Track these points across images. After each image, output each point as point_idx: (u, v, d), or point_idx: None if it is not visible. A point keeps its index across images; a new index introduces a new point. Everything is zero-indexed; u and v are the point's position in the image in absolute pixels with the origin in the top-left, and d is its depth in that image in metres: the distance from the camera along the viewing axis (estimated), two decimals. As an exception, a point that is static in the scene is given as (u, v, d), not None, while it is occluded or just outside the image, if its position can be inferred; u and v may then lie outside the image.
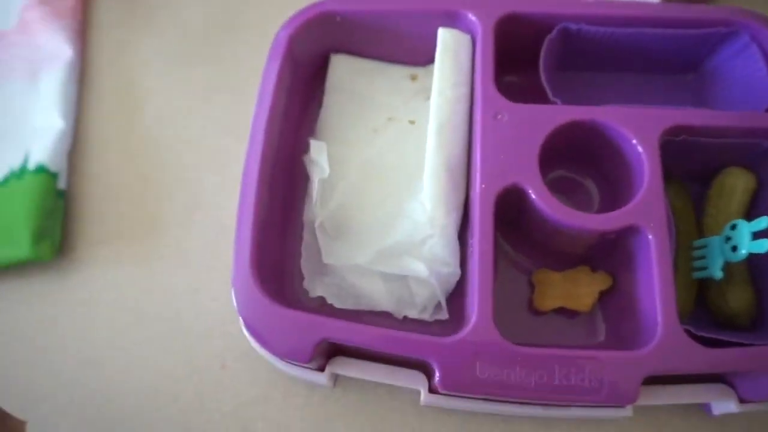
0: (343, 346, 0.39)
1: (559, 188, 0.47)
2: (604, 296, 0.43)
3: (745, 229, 0.38)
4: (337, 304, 0.43)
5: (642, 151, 0.40)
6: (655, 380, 0.38)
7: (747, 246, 0.37)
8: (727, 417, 0.41)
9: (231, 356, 0.46)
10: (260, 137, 0.42)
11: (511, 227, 0.45)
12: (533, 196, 0.39)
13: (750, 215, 0.43)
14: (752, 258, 0.42)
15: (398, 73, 0.50)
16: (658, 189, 0.39)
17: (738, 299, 0.40)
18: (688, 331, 0.37)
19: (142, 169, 0.52)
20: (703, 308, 0.43)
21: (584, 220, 0.38)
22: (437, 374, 0.36)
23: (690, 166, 0.44)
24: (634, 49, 0.47)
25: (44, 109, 0.53)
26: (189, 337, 0.46)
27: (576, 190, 0.47)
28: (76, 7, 0.58)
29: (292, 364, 0.39)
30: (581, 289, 0.43)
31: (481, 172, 0.40)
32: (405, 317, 0.43)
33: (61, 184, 0.50)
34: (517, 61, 0.47)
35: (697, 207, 0.45)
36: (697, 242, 0.42)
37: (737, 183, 0.43)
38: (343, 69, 0.50)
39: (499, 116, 0.41)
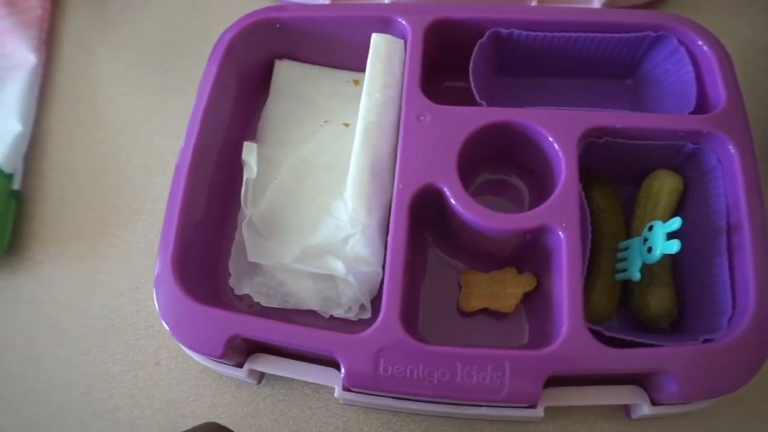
0: (263, 343, 0.40)
1: (491, 190, 0.47)
2: (528, 298, 0.43)
3: (660, 230, 0.38)
4: (265, 303, 0.44)
5: (560, 152, 0.40)
6: (567, 381, 0.38)
7: (661, 247, 0.37)
8: (647, 420, 0.41)
9: (166, 354, 0.47)
10: (193, 136, 0.43)
11: (440, 229, 0.45)
12: (449, 196, 0.39)
13: (680, 216, 0.43)
14: (677, 260, 0.42)
15: (342, 77, 0.51)
16: (573, 189, 0.39)
17: (658, 301, 0.40)
18: (598, 333, 0.37)
19: (95, 171, 0.54)
20: (628, 310, 0.42)
21: (498, 220, 0.39)
22: (342, 371, 0.36)
23: (618, 168, 0.44)
24: (570, 54, 0.47)
25: (4, 114, 0.55)
26: (127, 334, 0.47)
27: (507, 192, 0.47)
28: (44, 17, 0.61)
29: (212, 360, 0.40)
30: (506, 290, 0.43)
31: (400, 172, 0.40)
32: (331, 316, 0.44)
33: (16, 184, 0.52)
34: (460, 66, 0.47)
35: (629, 209, 0.45)
36: (622, 244, 0.42)
37: (663, 185, 0.43)
38: (286, 74, 0.51)
39: (422, 117, 0.42)
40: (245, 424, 0.44)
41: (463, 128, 0.41)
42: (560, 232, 0.38)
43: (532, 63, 0.49)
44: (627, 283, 0.42)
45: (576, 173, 0.39)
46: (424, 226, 0.45)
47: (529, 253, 0.43)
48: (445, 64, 0.48)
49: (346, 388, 0.38)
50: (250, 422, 0.44)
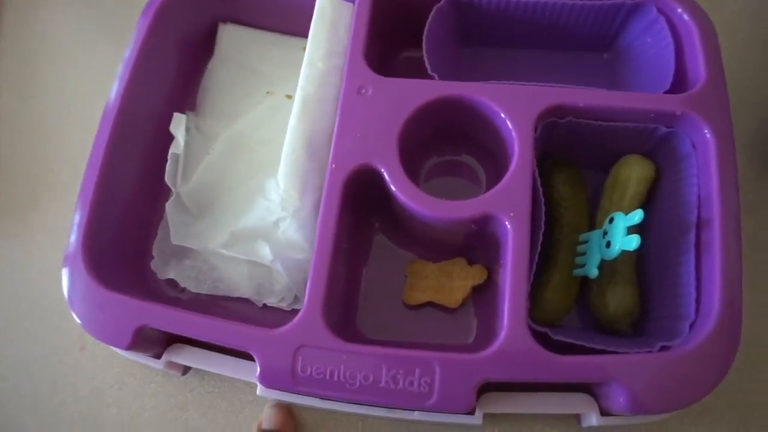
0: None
1: (446, 172, 0.43)
2: (479, 291, 0.39)
3: (621, 222, 0.34)
4: (193, 288, 0.41)
5: (513, 132, 0.36)
6: (509, 386, 0.35)
7: (620, 242, 0.33)
8: (600, 428, 0.37)
9: (91, 339, 0.43)
10: (115, 106, 0.39)
11: (388, 214, 0.41)
12: (387, 178, 0.35)
13: (649, 209, 0.39)
14: (642, 257, 0.38)
15: (293, 45, 0.47)
16: (525, 175, 0.35)
17: (618, 301, 0.36)
18: (544, 335, 0.33)
19: (28, 143, 0.50)
20: (587, 310, 0.39)
21: (437, 207, 0.35)
22: (258, 368, 0.33)
23: (585, 153, 0.40)
24: (541, 22, 0.43)
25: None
26: (52, 317, 0.44)
27: (464, 175, 0.43)
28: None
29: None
30: (453, 283, 0.39)
31: (334, 150, 0.36)
32: (264, 305, 0.40)
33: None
34: (419, 34, 0.43)
35: (597, 198, 0.41)
36: (582, 237, 0.38)
37: (632, 173, 0.38)
38: (231, 39, 0.47)
39: (363, 90, 0.38)
40: (171, 417, 0.41)
41: (408, 103, 0.37)
42: (507, 222, 0.34)
43: (498, 32, 0.44)
44: (587, 280, 0.38)
45: (530, 156, 0.35)
46: (369, 211, 0.41)
47: (481, 243, 0.39)
48: (402, 32, 0.44)
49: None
50: (176, 415, 0.41)
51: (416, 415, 0.35)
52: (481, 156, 0.43)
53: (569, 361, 0.31)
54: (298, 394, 0.33)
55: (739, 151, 0.44)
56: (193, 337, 0.34)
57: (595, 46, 0.44)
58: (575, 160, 0.41)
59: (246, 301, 0.41)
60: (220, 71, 0.46)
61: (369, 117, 0.37)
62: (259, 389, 0.36)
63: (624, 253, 0.36)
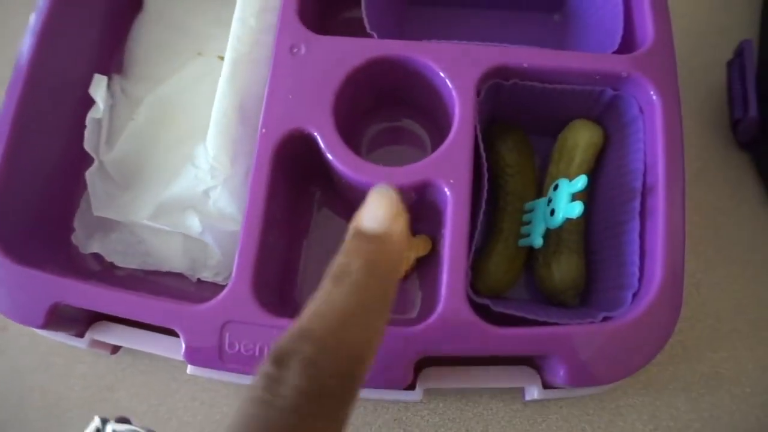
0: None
1: (390, 139, 0.41)
2: (423, 264, 0.38)
3: (565, 189, 0.32)
4: (120, 263, 0.38)
5: (454, 93, 0.34)
6: (450, 360, 0.34)
7: (563, 209, 0.32)
8: (546, 403, 0.37)
9: (13, 317, 0.41)
10: (23, 68, 0.36)
11: (328, 183, 0.39)
12: (320, 143, 0.33)
13: (596, 176, 0.38)
14: (589, 226, 0.37)
15: (228, 1, 0.44)
16: (466, 139, 0.33)
17: (563, 271, 0.35)
18: (486, 308, 0.32)
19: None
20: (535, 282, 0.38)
21: (372, 173, 0.33)
22: (183, 345, 0.31)
23: (532, 117, 0.39)
24: (489, -19, 0.41)
25: None
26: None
27: (409, 141, 0.41)
28: None
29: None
30: None
31: (265, 113, 0.34)
32: (199, 280, 0.38)
33: None
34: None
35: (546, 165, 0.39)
36: (527, 205, 0.37)
37: (579, 139, 0.37)
38: (162, -6, 0.43)
39: (296, 49, 0.35)
40: (100, 398, 0.39)
41: (344, 63, 0.34)
42: (446, 189, 0.32)
43: (445, -10, 0.42)
44: (533, 251, 0.37)
45: (471, 120, 0.33)
46: (308, 180, 0.39)
47: (424, 213, 0.37)
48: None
49: (198, 364, 0.33)
50: (106, 396, 0.39)
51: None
52: (425, 122, 0.41)
53: (507, 334, 0.30)
54: (228, 371, 0.31)
55: (688, 117, 0.43)
56: (113, 314, 0.32)
57: (545, 5, 0.43)
58: (523, 126, 0.40)
59: (182, 276, 0.38)
60: (148, 29, 0.42)
61: (302, 78, 0.34)
62: (189, 368, 0.34)
63: (570, 222, 0.35)
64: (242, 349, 0.30)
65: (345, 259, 0.22)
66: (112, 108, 0.40)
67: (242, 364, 0.30)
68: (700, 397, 0.38)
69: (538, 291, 0.38)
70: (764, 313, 0.39)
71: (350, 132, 0.36)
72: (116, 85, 0.40)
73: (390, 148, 0.41)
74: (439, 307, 0.30)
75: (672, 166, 0.33)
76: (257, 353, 0.30)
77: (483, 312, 0.31)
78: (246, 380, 0.34)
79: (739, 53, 0.41)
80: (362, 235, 0.23)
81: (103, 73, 0.40)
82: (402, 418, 0.38)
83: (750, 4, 0.46)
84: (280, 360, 0.19)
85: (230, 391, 0.39)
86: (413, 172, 0.32)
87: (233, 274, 0.31)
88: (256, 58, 0.37)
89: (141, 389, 0.39)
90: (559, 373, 0.30)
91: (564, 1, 0.42)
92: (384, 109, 0.40)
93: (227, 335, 0.31)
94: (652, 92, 0.34)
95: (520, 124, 0.39)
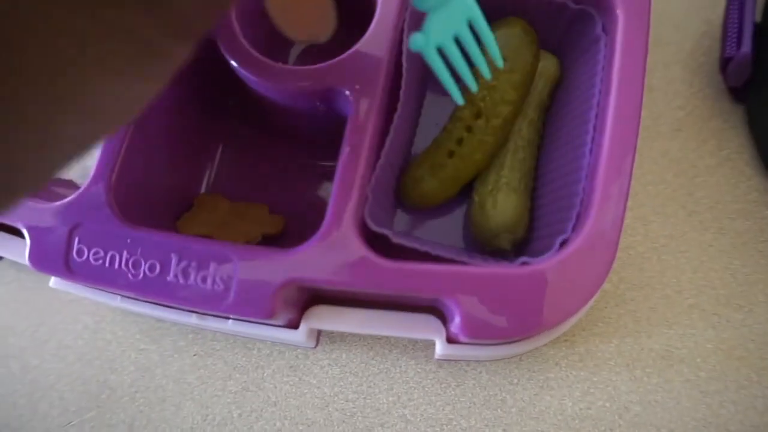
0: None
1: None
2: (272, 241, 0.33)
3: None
4: None
5: (377, -9, 0.29)
6: (343, 299, 0.29)
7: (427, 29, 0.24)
8: (464, 366, 0.32)
9: None
10: None
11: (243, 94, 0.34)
12: (222, 46, 0.28)
13: (552, 110, 0.32)
14: (538, 167, 0.32)
15: None
16: (379, 41, 0.28)
17: (498, 210, 0.30)
18: (383, 237, 0.27)
19: None
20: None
21: (271, 73, 0.28)
22: (27, 245, 0.27)
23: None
24: None
25: None
26: None
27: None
28: None
29: None
30: (242, 225, 0.33)
31: None
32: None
33: None
34: None
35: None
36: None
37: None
38: None
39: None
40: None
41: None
42: (350, 96, 0.27)
43: None
44: (472, 193, 0.32)
45: (391, 21, 0.28)
46: (222, 92, 0.34)
47: (330, 137, 0.32)
48: None
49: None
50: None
51: (230, 325, 0.29)
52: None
53: (396, 267, 0.25)
54: (74, 282, 0.27)
55: (677, 61, 0.38)
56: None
57: None
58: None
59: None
60: None
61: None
62: (52, 281, 0.30)
63: (514, 158, 0.30)
64: (91, 257, 0.26)
65: None
66: None
67: (90, 275, 0.26)
68: (646, 377, 0.32)
69: (474, 242, 0.32)
70: (735, 291, 0.33)
71: (266, 47, 0.31)
72: None
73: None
74: (320, 231, 0.26)
75: (625, 99, 0.27)
76: (107, 264, 0.26)
77: (384, 245, 0.26)
78: (114, 299, 0.30)
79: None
80: None
81: None
82: (299, 366, 0.33)
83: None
84: None
85: (117, 316, 0.35)
86: (316, 74, 0.27)
87: (92, 172, 0.27)
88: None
89: (22, 306, 0.36)
90: (455, 320, 0.25)
91: None
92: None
93: (76, 239, 0.26)
94: (618, 10, 0.28)
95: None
